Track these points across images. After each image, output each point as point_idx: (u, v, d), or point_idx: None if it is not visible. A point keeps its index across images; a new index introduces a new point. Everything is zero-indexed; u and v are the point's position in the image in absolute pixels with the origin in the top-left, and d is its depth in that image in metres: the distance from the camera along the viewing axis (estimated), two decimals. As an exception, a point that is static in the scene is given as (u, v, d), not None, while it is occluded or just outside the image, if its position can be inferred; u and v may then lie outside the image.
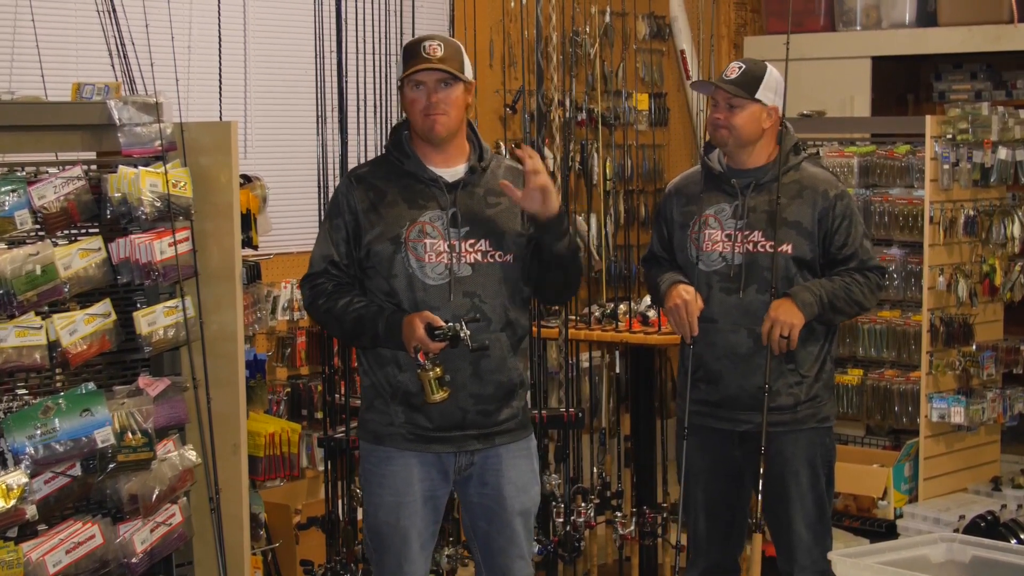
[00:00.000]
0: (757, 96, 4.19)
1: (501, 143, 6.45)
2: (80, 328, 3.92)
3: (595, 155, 6.73)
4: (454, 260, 3.77)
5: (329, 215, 3.89)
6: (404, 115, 3.94)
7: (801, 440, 4.23)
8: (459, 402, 3.78)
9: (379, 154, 4.01)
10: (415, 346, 3.66)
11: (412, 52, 3.78)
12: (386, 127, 5.20)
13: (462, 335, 3.65)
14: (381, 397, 3.85)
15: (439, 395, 3.68)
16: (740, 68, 4.23)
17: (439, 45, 3.79)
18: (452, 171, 3.85)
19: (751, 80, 4.20)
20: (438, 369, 3.67)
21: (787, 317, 4.11)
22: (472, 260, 3.80)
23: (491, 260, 3.82)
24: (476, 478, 3.89)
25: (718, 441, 4.31)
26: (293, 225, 5.99)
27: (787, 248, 4.20)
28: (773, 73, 4.25)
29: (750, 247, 4.22)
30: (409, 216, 3.79)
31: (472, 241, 3.80)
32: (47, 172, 3.95)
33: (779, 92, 4.26)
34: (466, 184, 3.84)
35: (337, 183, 5.03)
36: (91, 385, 3.91)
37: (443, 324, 3.65)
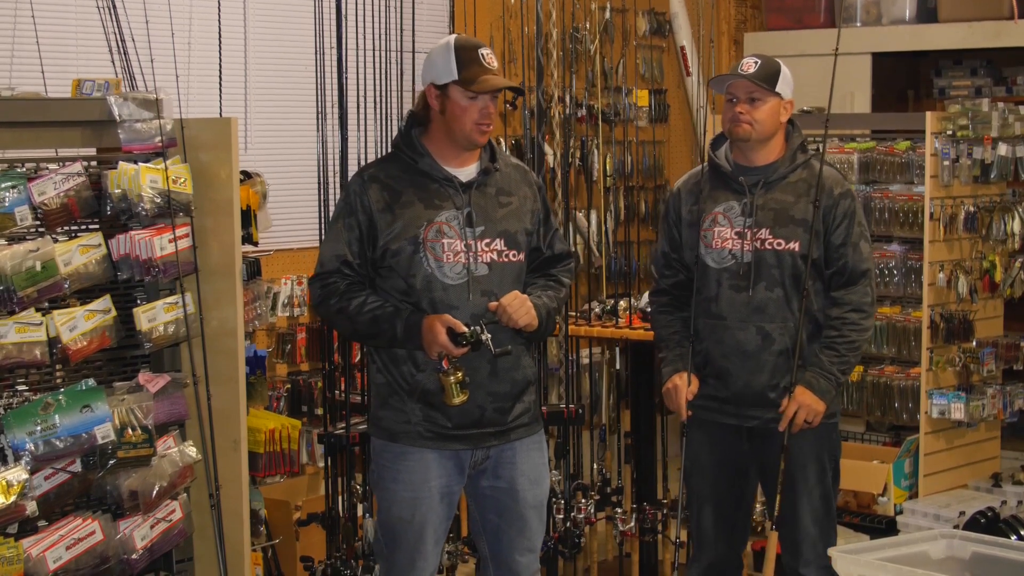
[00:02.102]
0: (777, 90, 4.20)
1: (501, 139, 6.45)
2: (80, 324, 3.92)
3: (595, 151, 6.73)
4: (471, 260, 3.79)
5: (341, 214, 3.88)
6: (419, 111, 3.89)
7: (808, 435, 4.24)
8: (477, 400, 3.81)
9: (385, 151, 4.01)
10: (439, 352, 3.68)
11: (470, 58, 3.76)
12: (386, 123, 5.20)
13: (484, 339, 3.68)
14: (397, 395, 3.85)
15: (460, 398, 3.72)
16: (756, 62, 4.23)
17: (492, 55, 3.82)
18: (465, 171, 3.87)
19: (771, 74, 4.21)
20: (459, 373, 3.70)
21: (814, 404, 4.17)
22: (488, 259, 3.82)
23: (506, 259, 3.86)
24: (490, 471, 3.92)
25: (725, 437, 4.32)
26: (293, 221, 5.99)
27: (794, 246, 4.21)
28: (785, 69, 4.27)
29: (758, 244, 4.22)
30: (426, 216, 3.80)
31: (487, 240, 3.83)
32: (47, 168, 3.95)
33: (792, 87, 4.27)
34: (479, 184, 3.86)
35: (337, 180, 5.05)
36: (91, 381, 3.91)
37: (465, 329, 3.68)
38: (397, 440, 3.86)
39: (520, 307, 3.77)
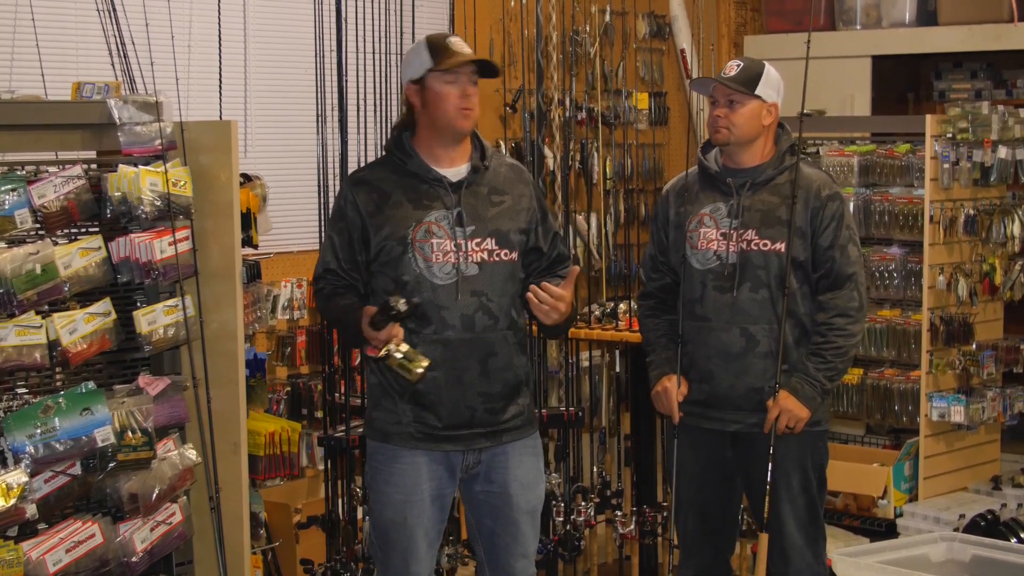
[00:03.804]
0: (757, 92, 4.20)
1: (501, 142, 6.45)
2: (80, 327, 3.92)
3: (595, 154, 6.73)
4: (461, 259, 3.79)
5: (333, 220, 3.92)
6: (405, 116, 3.92)
7: (792, 443, 4.23)
8: (467, 400, 3.80)
9: (379, 154, 4.02)
10: (381, 344, 3.61)
11: (440, 47, 3.79)
12: (386, 126, 5.20)
13: (394, 304, 3.57)
14: (389, 396, 3.85)
15: (418, 369, 3.61)
16: (739, 65, 4.24)
17: (463, 43, 3.83)
18: (455, 171, 3.87)
19: (751, 76, 4.21)
20: (401, 348, 3.59)
21: (796, 410, 4.15)
22: (479, 259, 3.82)
23: (497, 259, 3.85)
24: (483, 476, 3.91)
25: (709, 442, 4.31)
26: (293, 224, 5.99)
27: (780, 247, 4.20)
28: (772, 71, 4.26)
29: (744, 246, 4.22)
30: (415, 216, 3.80)
31: (478, 240, 3.82)
32: (47, 171, 3.95)
33: (778, 89, 4.27)
34: (470, 183, 3.86)
35: (337, 183, 5.06)
36: (91, 384, 3.91)
37: (372, 309, 3.59)
38: (389, 441, 3.86)
39: (562, 306, 3.76)
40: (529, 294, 3.77)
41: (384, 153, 3.99)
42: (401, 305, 3.58)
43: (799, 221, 4.21)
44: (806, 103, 5.90)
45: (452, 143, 3.85)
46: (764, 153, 4.29)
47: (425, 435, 3.83)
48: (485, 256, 3.83)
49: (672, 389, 4.27)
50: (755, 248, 4.21)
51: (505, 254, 3.87)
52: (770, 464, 4.17)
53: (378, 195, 3.83)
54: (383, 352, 3.61)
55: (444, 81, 3.78)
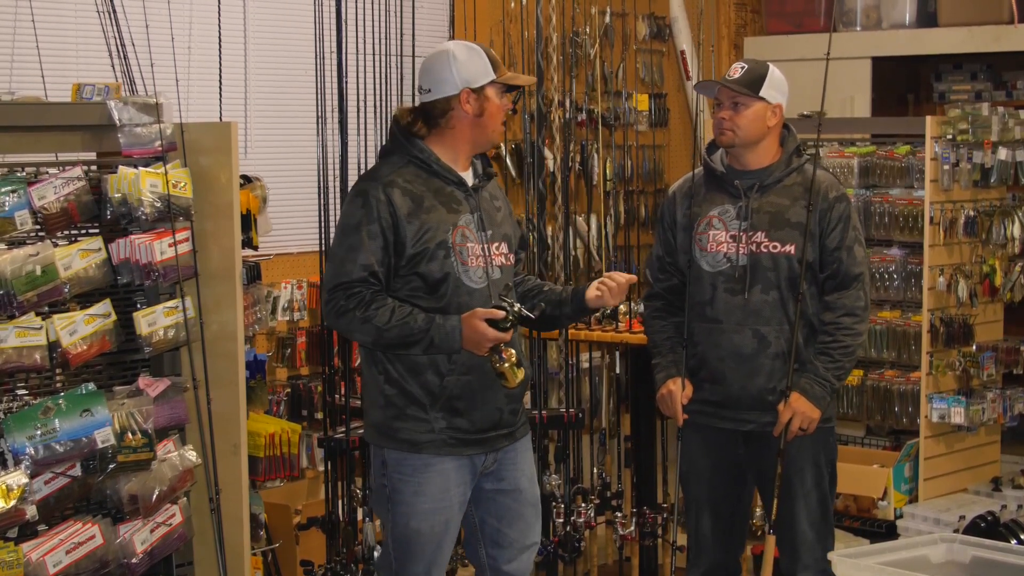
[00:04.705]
0: (761, 94, 4.20)
1: (501, 144, 6.45)
2: (80, 328, 3.92)
3: (595, 155, 6.74)
4: (488, 263, 3.82)
5: (361, 222, 3.73)
6: (435, 117, 3.83)
7: (805, 440, 4.25)
8: (497, 402, 3.84)
9: (381, 155, 3.97)
10: (491, 345, 3.68)
11: (495, 58, 3.85)
12: (386, 128, 5.19)
13: (519, 310, 3.70)
14: (416, 404, 3.81)
15: (521, 375, 3.74)
16: (743, 68, 4.24)
17: None
18: (466, 175, 3.89)
19: (755, 78, 4.21)
20: (512, 353, 3.71)
21: (809, 412, 4.17)
22: (499, 263, 3.87)
23: (509, 263, 3.92)
24: (494, 474, 3.94)
25: (722, 441, 4.32)
26: (293, 226, 5.99)
27: (790, 249, 4.21)
28: (776, 72, 4.26)
29: (754, 248, 4.23)
30: (450, 220, 3.79)
31: (496, 244, 3.87)
32: (47, 173, 3.95)
33: (783, 91, 4.27)
34: (481, 188, 3.90)
35: (337, 184, 5.05)
36: (91, 385, 3.91)
37: (501, 313, 3.68)
38: (421, 451, 3.81)
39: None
40: (603, 280, 3.91)
41: (389, 152, 3.89)
42: (518, 308, 3.70)
43: (808, 222, 4.22)
44: (806, 105, 5.94)
45: (477, 151, 3.89)
46: (771, 154, 4.30)
47: (457, 440, 3.82)
48: (503, 260, 3.88)
49: (677, 392, 4.28)
50: (765, 251, 4.22)
51: (512, 258, 3.94)
52: (779, 468, 4.19)
53: (411, 199, 3.75)
54: (503, 354, 3.70)
55: (501, 94, 3.83)
